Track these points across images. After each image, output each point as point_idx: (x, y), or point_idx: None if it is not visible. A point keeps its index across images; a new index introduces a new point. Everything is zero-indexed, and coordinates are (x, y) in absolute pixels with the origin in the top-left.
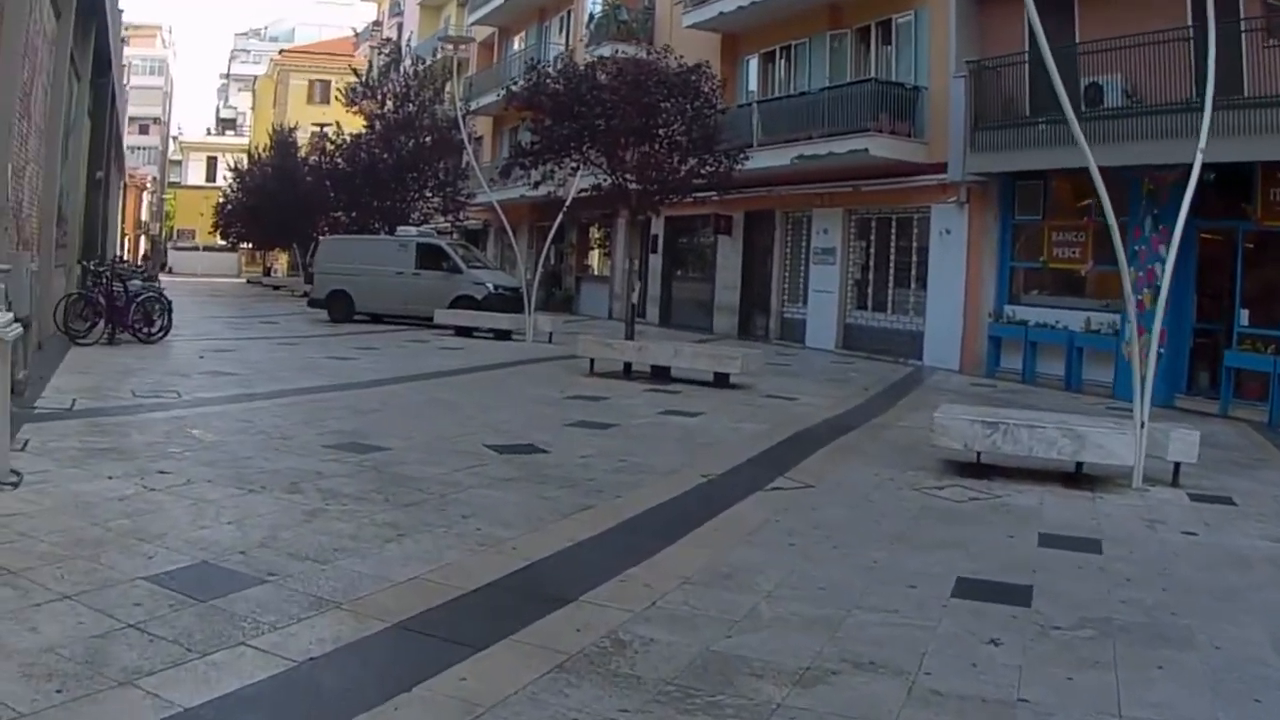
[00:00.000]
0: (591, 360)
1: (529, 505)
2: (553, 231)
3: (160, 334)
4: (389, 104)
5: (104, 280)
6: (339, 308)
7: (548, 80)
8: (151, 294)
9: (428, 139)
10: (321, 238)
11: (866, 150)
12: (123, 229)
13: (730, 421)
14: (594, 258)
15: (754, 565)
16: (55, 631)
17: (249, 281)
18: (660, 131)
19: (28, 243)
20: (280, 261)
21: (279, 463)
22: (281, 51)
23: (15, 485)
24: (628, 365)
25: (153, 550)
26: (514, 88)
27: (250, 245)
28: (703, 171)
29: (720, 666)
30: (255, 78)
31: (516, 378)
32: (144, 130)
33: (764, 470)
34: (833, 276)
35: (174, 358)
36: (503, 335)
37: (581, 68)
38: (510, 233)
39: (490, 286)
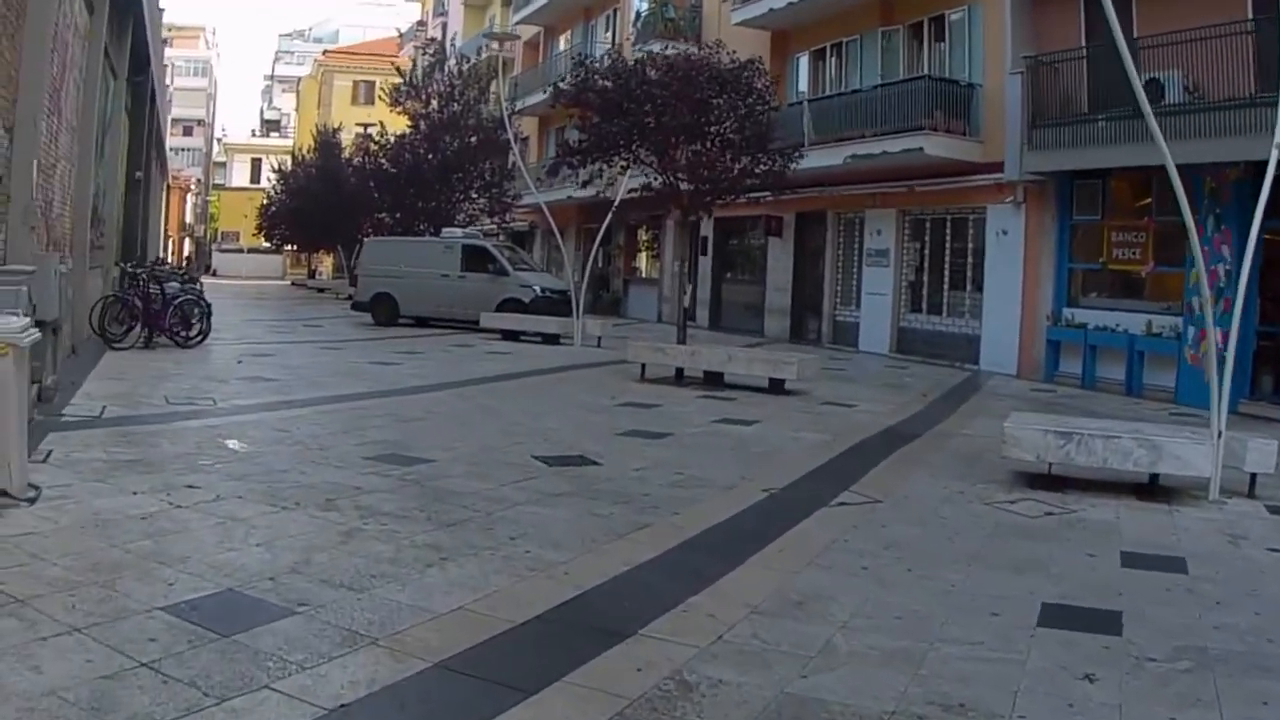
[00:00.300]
0: (643, 366)
1: (581, 524)
2: (601, 233)
3: (199, 338)
4: (434, 103)
5: (140, 283)
6: (383, 311)
7: (596, 76)
8: (190, 297)
9: (473, 139)
10: (365, 240)
11: (921, 149)
12: (166, 230)
13: (788, 430)
14: (642, 260)
15: (825, 591)
16: (60, 671)
17: (293, 284)
18: (711, 129)
19: (59, 243)
20: (325, 264)
21: (315, 476)
22: (325, 52)
23: (33, 501)
24: (680, 371)
25: (174, 576)
26: (561, 84)
27: (294, 247)
28: (756, 171)
29: (797, 711)
30: (299, 79)
31: (565, 384)
32: (188, 132)
33: (827, 484)
34: (886, 279)
35: (212, 362)
36: (550, 339)
37: (630, 63)
38: (558, 234)
39: (537, 289)
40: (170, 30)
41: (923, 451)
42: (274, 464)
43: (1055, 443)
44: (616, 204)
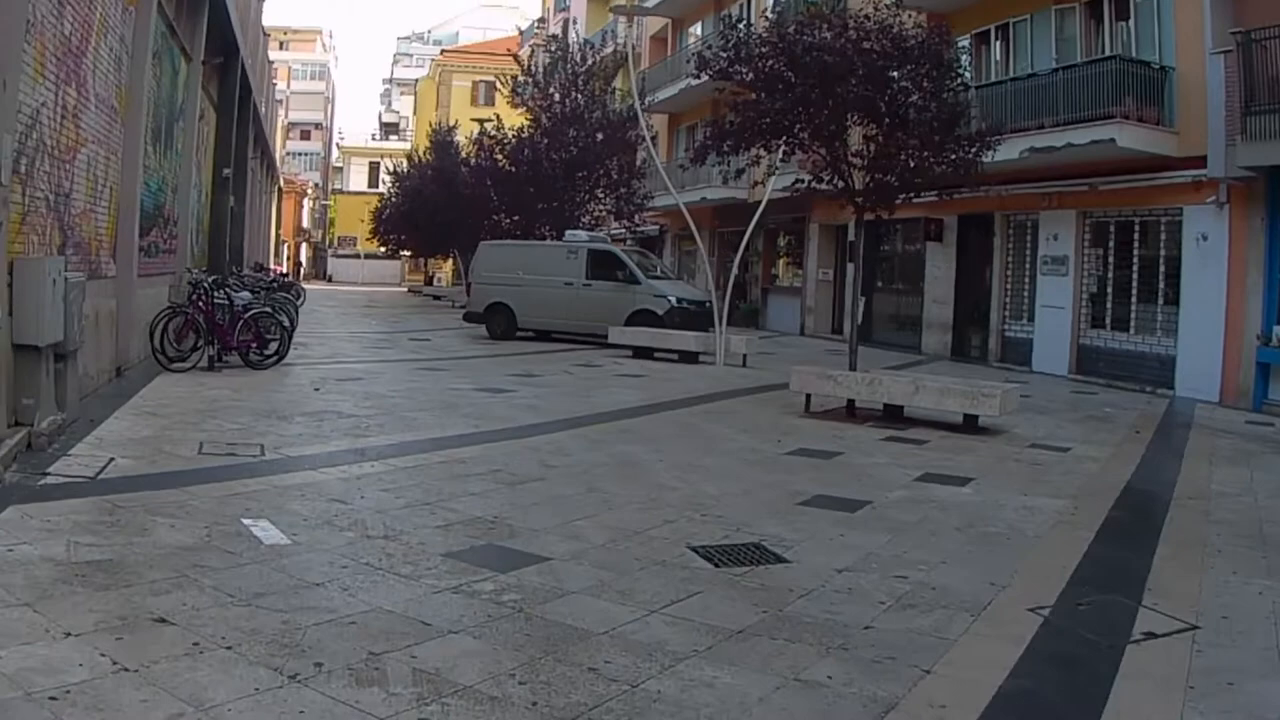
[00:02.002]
0: (807, 396)
1: (787, 707)
2: (747, 236)
3: (274, 358)
4: (555, 94)
5: (203, 292)
6: (498, 323)
7: (754, 42)
8: (264, 309)
9: (599, 135)
10: (480, 244)
11: (1113, 140)
12: (279, 235)
13: (1014, 492)
14: (781, 267)
15: None
16: None
17: (410, 290)
18: (886, 109)
19: (85, 245)
20: (444, 269)
21: (363, 597)
22: (443, 52)
23: None
24: (851, 402)
25: None
26: (707, 53)
27: (410, 253)
28: (951, 159)
29: None
30: (417, 80)
31: (716, 420)
32: (305, 136)
33: (1107, 592)
34: (1064, 290)
35: (281, 390)
36: (689, 358)
37: (792, 28)
38: (698, 237)
39: (672, 300)
40: (286, 33)
41: (1192, 526)
42: (307, 570)
43: None
44: (764, 203)
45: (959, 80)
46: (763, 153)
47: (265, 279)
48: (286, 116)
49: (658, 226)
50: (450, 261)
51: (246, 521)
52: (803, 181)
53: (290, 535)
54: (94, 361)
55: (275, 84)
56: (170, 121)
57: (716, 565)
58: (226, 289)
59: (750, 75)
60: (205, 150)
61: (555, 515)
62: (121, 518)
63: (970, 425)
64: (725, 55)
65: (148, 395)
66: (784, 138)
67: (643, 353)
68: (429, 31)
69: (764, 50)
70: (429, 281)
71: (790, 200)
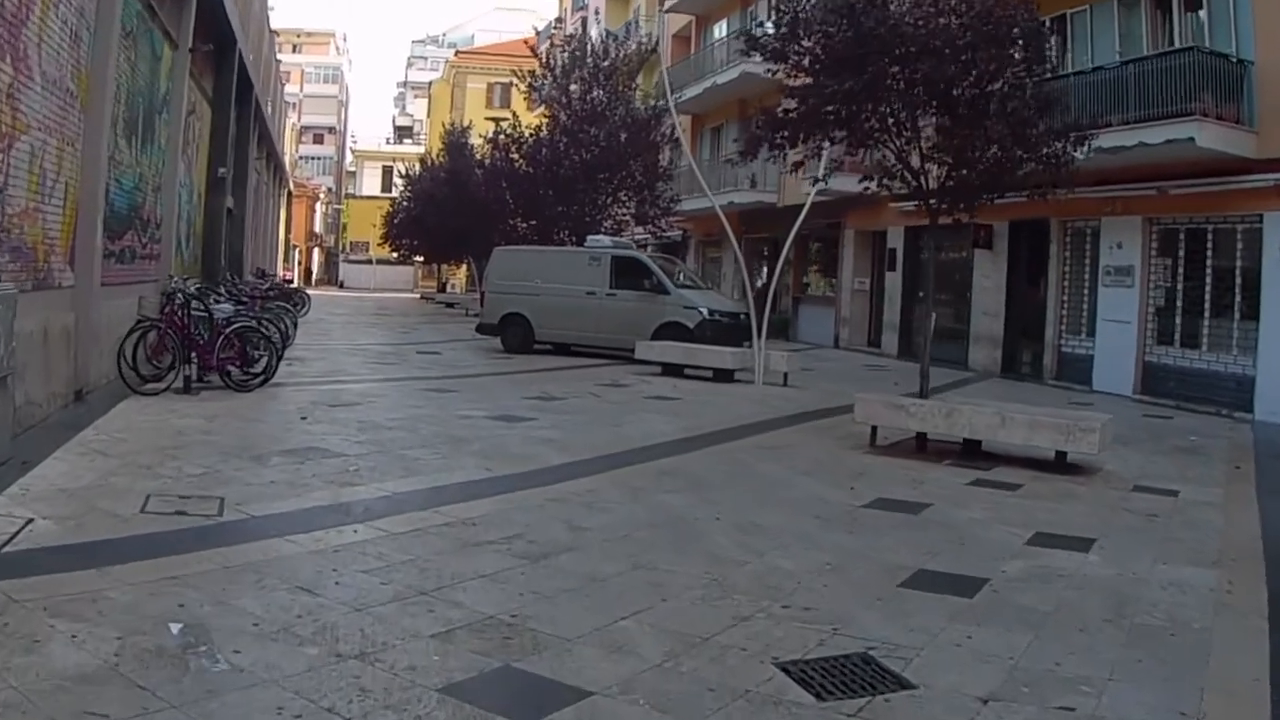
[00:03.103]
0: (873, 429)
1: None
2: (790, 237)
3: (260, 378)
4: (575, 88)
5: (174, 303)
6: (514, 335)
7: (814, 17)
8: (247, 323)
9: (623, 134)
10: (495, 249)
11: (1191, 140)
12: (289, 240)
13: (1149, 559)
14: (812, 275)
15: None
16: None
17: (422, 297)
18: (966, 94)
19: (26, 250)
20: (457, 275)
21: None
22: (458, 53)
23: None
24: (921, 435)
25: None
26: (757, 31)
27: (422, 259)
28: (1043, 156)
29: None
30: (431, 83)
31: (771, 457)
32: (319, 139)
33: None
34: (1128, 302)
35: (263, 419)
36: (724, 375)
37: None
38: (735, 244)
39: (704, 311)
40: (299, 36)
41: None
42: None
43: None
44: (809, 204)
45: (1048, 64)
46: (825, 142)
47: (260, 286)
48: (299, 120)
49: (680, 232)
50: (464, 268)
51: (174, 629)
52: (870, 180)
53: (229, 655)
54: (41, 386)
55: (284, 85)
56: (151, 113)
57: (820, 697)
58: (204, 300)
59: (807, 57)
60: (197, 147)
61: (593, 610)
62: (10, 621)
63: (1059, 462)
64: (781, 31)
65: (105, 426)
66: (848, 128)
67: (673, 370)
68: (443, 35)
69: (828, 25)
70: (442, 288)
71: (824, 205)
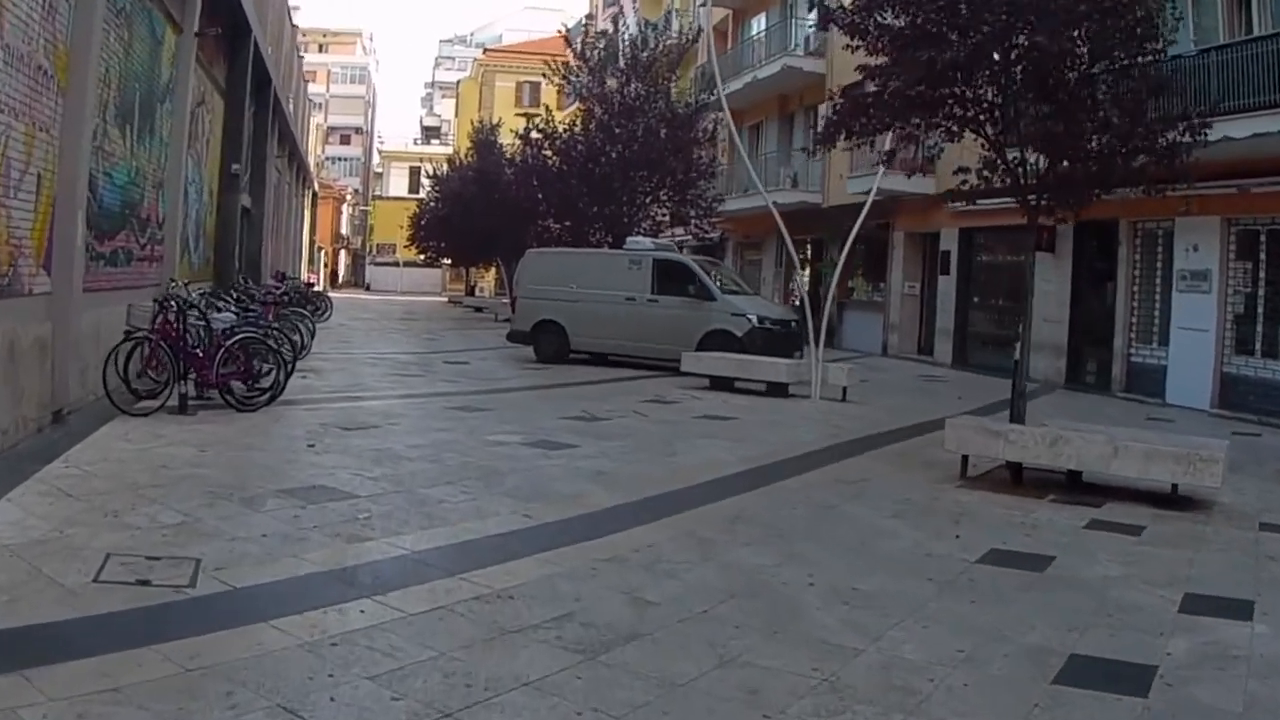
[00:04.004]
0: (965, 459)
1: None
2: (851, 238)
3: (266, 396)
4: (612, 81)
5: (166, 311)
6: (548, 344)
7: None
8: (252, 335)
9: (662, 129)
10: (527, 251)
11: None
12: (314, 241)
13: None
14: (858, 279)
15: None
16: None
17: (450, 300)
18: (1073, 74)
19: None
20: (486, 278)
21: None
22: (486, 51)
23: None
24: (1015, 464)
25: None
26: (831, 1)
27: (450, 261)
28: (1158, 146)
29: None
30: (459, 81)
31: (853, 494)
32: (345, 140)
33: None
34: (1205, 309)
35: (264, 446)
36: (777, 389)
37: None
38: (790, 245)
39: (752, 319)
40: (325, 36)
41: None
42: None
43: None
44: (870, 202)
45: (1160, 43)
46: (922, 128)
47: (275, 291)
48: (325, 120)
49: (718, 233)
50: (492, 270)
51: None
52: (966, 170)
53: None
54: (8, 410)
55: (308, 83)
56: (150, 101)
57: None
58: (202, 308)
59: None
60: (208, 142)
61: None
62: None
63: (1170, 495)
64: (856, 7)
65: (78, 457)
66: (941, 112)
67: (720, 382)
68: (471, 34)
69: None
70: (470, 292)
71: (872, 205)
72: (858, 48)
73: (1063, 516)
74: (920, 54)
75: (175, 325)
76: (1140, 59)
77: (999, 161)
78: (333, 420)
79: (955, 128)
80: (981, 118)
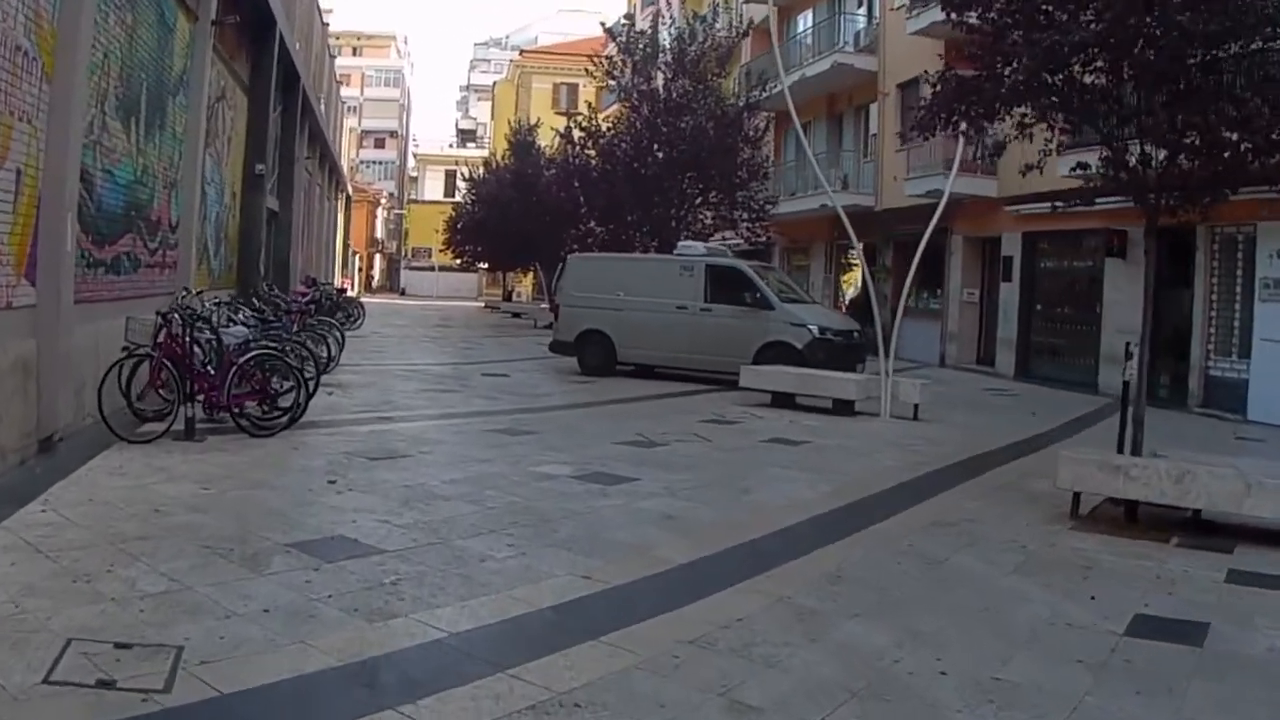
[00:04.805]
0: (1076, 496)
1: None
2: (924, 243)
3: (285, 418)
4: (659, 77)
5: (170, 325)
6: (593, 355)
7: None
8: (268, 350)
9: (711, 126)
10: (569, 257)
11: None
12: (347, 246)
13: None
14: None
15: None
16: None
17: (487, 306)
18: (1202, 59)
19: None
20: (523, 283)
21: None
22: (522, 52)
23: None
24: (1130, 504)
25: None
26: None
27: (486, 265)
28: None
29: None
30: (495, 83)
31: (960, 543)
32: (380, 144)
33: None
34: None
35: (278, 482)
36: (843, 407)
37: None
38: (856, 244)
39: (813, 329)
40: (359, 39)
41: None
42: None
43: None
44: (944, 204)
45: None
46: (1049, 120)
47: (301, 299)
48: (360, 124)
49: (765, 238)
50: (530, 275)
51: None
52: (1086, 167)
53: None
54: None
55: (340, 84)
56: (161, 93)
57: None
58: (212, 321)
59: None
60: (229, 140)
61: None
62: None
63: None
64: None
65: (60, 496)
66: (1053, 100)
67: (781, 399)
68: (506, 37)
69: None
70: (507, 297)
71: (927, 208)
72: (966, 20)
73: (1197, 567)
74: (1044, 35)
75: (180, 340)
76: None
77: (1126, 156)
78: (359, 448)
79: (1071, 118)
80: (1105, 108)
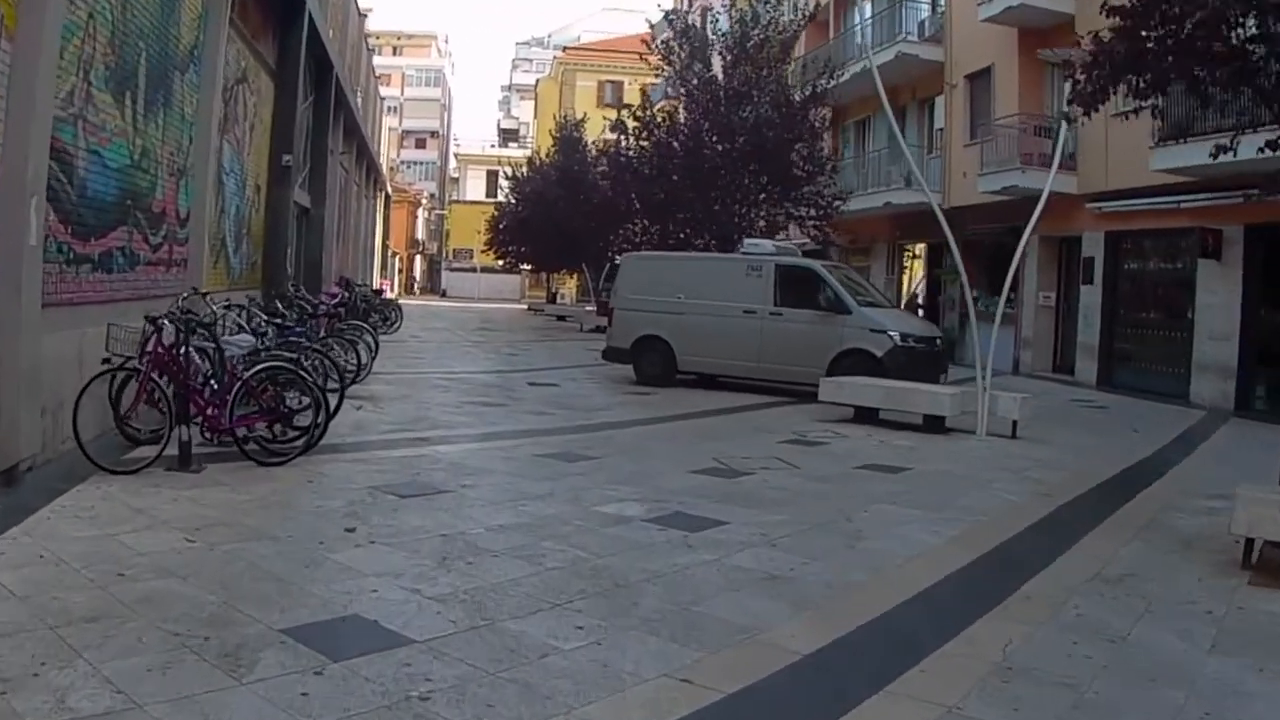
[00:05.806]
0: (1249, 543)
1: None
2: (1024, 241)
3: (301, 441)
4: (717, 61)
5: (160, 333)
6: (651, 363)
7: None
8: (280, 364)
9: (776, 116)
10: (622, 256)
11: None
12: (387, 247)
13: None
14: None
15: None
16: None
17: (530, 308)
18: None
19: None
20: (567, 285)
21: None
22: (565, 49)
23: None
24: None
25: None
26: None
27: (529, 266)
28: None
29: None
30: (537, 81)
31: (1136, 610)
32: (420, 144)
33: None
34: None
35: (281, 531)
36: (934, 424)
37: None
38: (954, 247)
39: (894, 336)
40: (400, 38)
41: None
42: None
43: None
44: (1044, 202)
45: None
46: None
47: (327, 303)
48: (400, 124)
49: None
50: (574, 277)
51: None
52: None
53: None
54: None
55: (378, 80)
56: (165, 68)
57: None
58: (212, 329)
59: None
60: (252, 128)
61: None
62: None
63: None
64: None
65: (6, 550)
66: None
67: (864, 414)
68: (549, 36)
69: None
70: (551, 299)
71: (999, 207)
72: None
73: None
74: None
75: (174, 353)
76: None
77: None
78: (387, 480)
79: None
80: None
